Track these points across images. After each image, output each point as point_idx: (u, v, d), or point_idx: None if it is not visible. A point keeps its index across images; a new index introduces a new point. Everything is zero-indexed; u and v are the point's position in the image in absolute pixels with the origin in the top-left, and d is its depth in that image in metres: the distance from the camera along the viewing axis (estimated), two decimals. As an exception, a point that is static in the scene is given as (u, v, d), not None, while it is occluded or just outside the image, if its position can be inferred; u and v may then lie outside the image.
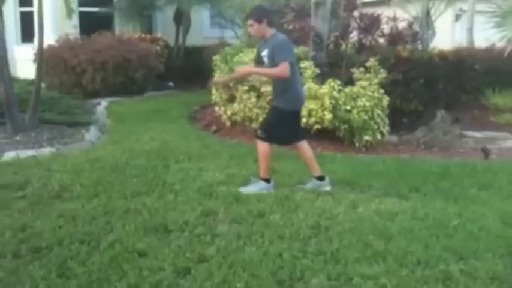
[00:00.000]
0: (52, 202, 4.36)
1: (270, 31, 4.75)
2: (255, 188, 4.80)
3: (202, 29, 15.14)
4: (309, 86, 6.99)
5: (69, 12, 8.27)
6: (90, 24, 12.33)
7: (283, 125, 4.80)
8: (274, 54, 4.60)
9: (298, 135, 5.01)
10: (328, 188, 4.90)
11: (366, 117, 6.90)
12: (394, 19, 9.47)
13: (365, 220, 4.10)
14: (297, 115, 4.98)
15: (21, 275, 3.10)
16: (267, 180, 4.85)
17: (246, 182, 5.00)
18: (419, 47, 9.60)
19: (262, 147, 4.79)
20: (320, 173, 4.95)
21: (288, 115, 4.80)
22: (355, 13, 9.38)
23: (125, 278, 3.06)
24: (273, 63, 4.64)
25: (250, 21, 4.76)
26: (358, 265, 3.31)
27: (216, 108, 8.55)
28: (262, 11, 4.89)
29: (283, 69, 4.54)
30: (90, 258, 3.31)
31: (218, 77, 4.47)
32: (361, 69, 7.52)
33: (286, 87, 4.74)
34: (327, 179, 4.96)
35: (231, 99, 8.00)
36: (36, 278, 3.05)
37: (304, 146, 4.96)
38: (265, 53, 4.75)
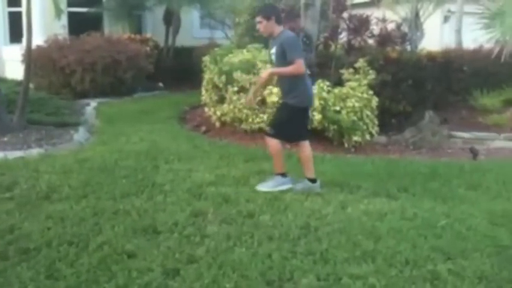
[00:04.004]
0: (40, 203, 4.33)
1: (278, 28, 4.75)
2: (273, 183, 4.85)
3: (192, 30, 15.13)
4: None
5: (58, 12, 8.22)
6: (79, 25, 12.26)
7: (292, 122, 4.81)
8: (285, 51, 4.60)
9: (305, 133, 5.02)
10: (318, 190, 4.90)
11: (355, 117, 6.93)
12: (383, 20, 9.52)
13: (354, 220, 4.12)
14: (305, 112, 4.98)
15: (9, 277, 3.08)
16: (283, 175, 4.89)
17: (235, 183, 5.01)
18: (408, 48, 9.66)
19: (273, 144, 4.82)
20: (313, 176, 4.96)
21: (297, 112, 4.81)
22: (345, 14, 9.42)
23: (113, 279, 3.05)
24: (283, 60, 4.64)
25: (258, 18, 4.75)
26: (347, 265, 3.33)
27: (206, 109, 8.55)
28: (271, 8, 4.90)
29: (299, 66, 4.57)
30: (79, 260, 3.29)
31: (247, 96, 4.57)
32: (351, 70, 7.56)
33: (295, 84, 4.73)
34: (318, 182, 4.96)
35: (221, 100, 7.99)
36: (25, 280, 3.03)
37: (306, 145, 4.96)
38: (273, 50, 4.76)
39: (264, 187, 4.84)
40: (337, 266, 3.31)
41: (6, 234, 3.68)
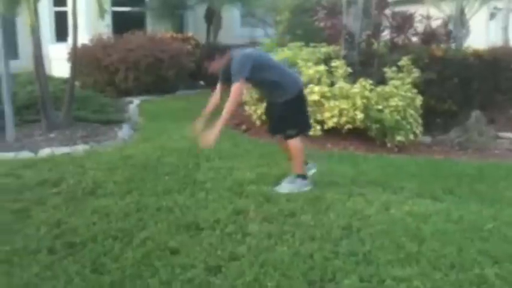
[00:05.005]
0: (86, 198, 4.44)
1: (225, 58, 4.57)
2: (293, 186, 4.74)
3: (233, 28, 15.18)
4: (341, 85, 6.94)
5: (102, 12, 8.37)
6: (122, 24, 12.50)
7: (295, 111, 4.67)
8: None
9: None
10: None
11: (398, 117, 6.81)
12: (428, 18, 9.32)
13: (397, 222, 4.04)
14: (300, 96, 4.75)
15: (56, 270, 3.16)
16: (304, 177, 4.80)
17: (276, 181, 4.98)
18: (453, 46, 9.44)
19: (294, 144, 4.68)
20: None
21: (291, 102, 4.62)
22: (387, 11, 9.28)
23: (157, 274, 3.09)
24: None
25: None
26: (391, 267, 3.27)
27: (246, 108, 8.56)
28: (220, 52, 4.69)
29: (235, 92, 4.39)
30: (123, 255, 3.35)
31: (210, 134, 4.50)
32: (394, 68, 7.43)
33: (275, 87, 4.60)
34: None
35: (261, 98, 7.98)
36: (71, 273, 3.11)
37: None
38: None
39: (284, 189, 4.72)
40: (380, 268, 3.25)
41: (53, 229, 3.78)
